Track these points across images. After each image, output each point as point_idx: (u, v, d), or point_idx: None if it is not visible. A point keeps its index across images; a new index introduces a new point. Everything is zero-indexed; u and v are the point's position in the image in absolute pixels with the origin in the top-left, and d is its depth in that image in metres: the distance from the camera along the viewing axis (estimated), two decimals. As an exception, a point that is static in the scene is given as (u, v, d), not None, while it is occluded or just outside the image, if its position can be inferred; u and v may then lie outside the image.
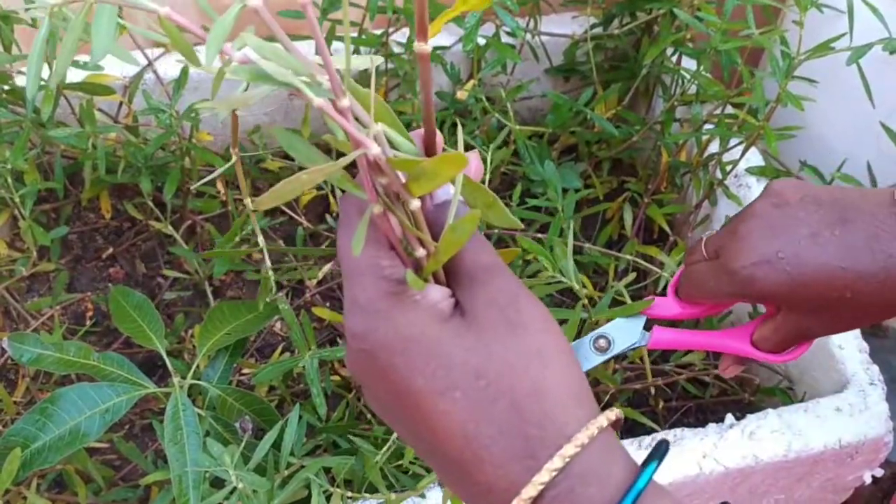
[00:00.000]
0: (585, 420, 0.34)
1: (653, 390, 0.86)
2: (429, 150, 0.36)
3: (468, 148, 0.92)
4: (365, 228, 0.32)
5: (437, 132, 0.36)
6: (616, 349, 0.56)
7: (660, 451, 0.36)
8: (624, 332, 0.57)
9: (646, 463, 0.35)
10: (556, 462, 0.32)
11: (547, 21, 1.03)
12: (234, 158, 0.66)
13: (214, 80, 0.33)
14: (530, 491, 0.32)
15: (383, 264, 0.35)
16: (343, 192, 0.36)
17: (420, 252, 0.35)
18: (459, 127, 0.40)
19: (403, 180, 0.33)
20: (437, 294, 0.35)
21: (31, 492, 0.68)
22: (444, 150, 0.36)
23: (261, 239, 0.72)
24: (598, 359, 0.56)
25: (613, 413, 0.35)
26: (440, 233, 0.35)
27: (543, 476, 0.32)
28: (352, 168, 0.32)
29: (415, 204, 0.33)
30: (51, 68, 0.83)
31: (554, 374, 0.34)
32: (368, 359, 0.35)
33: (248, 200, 0.68)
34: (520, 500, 0.32)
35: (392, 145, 0.34)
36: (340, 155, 0.31)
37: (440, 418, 0.34)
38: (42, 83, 0.83)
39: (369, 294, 0.34)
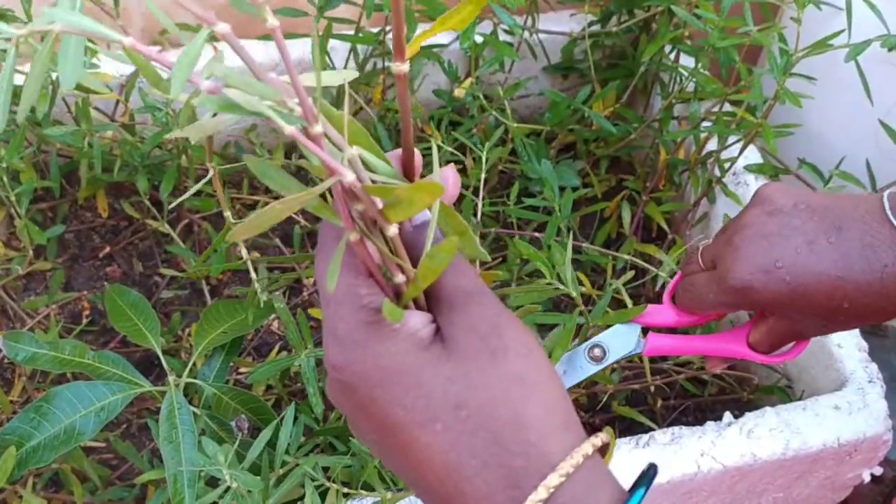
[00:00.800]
0: (570, 447, 0.33)
1: (652, 388, 0.86)
2: (407, 170, 0.36)
3: (461, 150, 0.92)
4: (340, 258, 0.32)
5: (416, 153, 0.36)
6: (611, 358, 0.56)
7: (647, 476, 0.36)
8: (619, 341, 0.56)
9: (633, 489, 0.34)
10: (541, 493, 0.32)
11: (545, 19, 1.03)
12: (210, 173, 0.65)
13: (182, 112, 0.33)
14: None
15: (361, 293, 0.34)
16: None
17: (399, 278, 0.35)
18: (435, 150, 0.40)
19: (380, 206, 0.33)
20: (418, 321, 0.35)
21: (28, 491, 0.68)
22: (422, 174, 0.37)
23: (244, 251, 0.72)
24: (593, 368, 0.56)
25: (599, 439, 0.34)
26: (419, 255, 0.34)
27: None
28: (329, 194, 0.32)
29: (392, 231, 0.33)
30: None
31: (537, 401, 0.33)
32: (348, 390, 0.35)
33: (227, 213, 0.68)
34: None
35: (368, 168, 0.33)
36: (317, 180, 0.31)
37: (421, 450, 0.33)
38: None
39: (348, 324, 0.34)
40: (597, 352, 0.56)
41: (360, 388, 0.34)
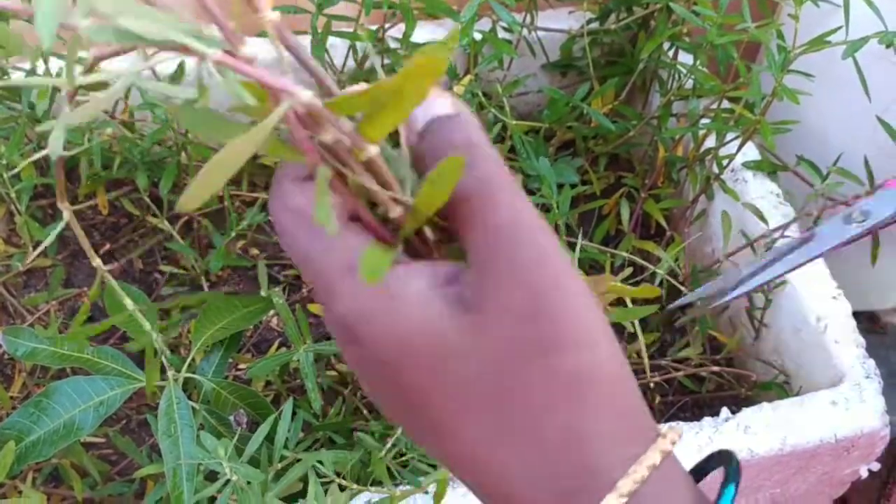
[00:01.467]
0: (634, 458, 0.27)
1: (651, 385, 0.86)
2: None
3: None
4: (327, 197, 0.25)
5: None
6: (872, 221, 0.54)
7: (732, 469, 0.30)
8: (882, 205, 0.54)
9: (722, 489, 0.29)
10: None
11: (543, 16, 1.03)
12: (65, 216, 0.50)
13: (66, 75, 0.26)
14: None
15: (350, 244, 0.27)
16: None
17: (396, 211, 0.28)
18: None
19: (350, 127, 0.26)
20: (433, 276, 0.27)
21: (27, 486, 0.68)
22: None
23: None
24: (852, 231, 0.53)
25: (669, 439, 0.28)
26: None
27: None
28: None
29: (372, 150, 0.26)
30: (46, 64, 0.83)
31: (596, 407, 0.27)
32: (364, 361, 0.29)
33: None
34: None
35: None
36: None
37: (454, 443, 0.27)
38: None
39: (349, 297, 0.27)
40: (857, 215, 0.54)
41: (370, 362, 0.28)
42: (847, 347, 0.76)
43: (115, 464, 0.82)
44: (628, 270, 0.84)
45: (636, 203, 0.99)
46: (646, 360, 0.84)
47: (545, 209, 0.88)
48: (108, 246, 0.97)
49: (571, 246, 0.94)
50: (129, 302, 0.63)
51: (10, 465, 0.62)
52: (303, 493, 0.62)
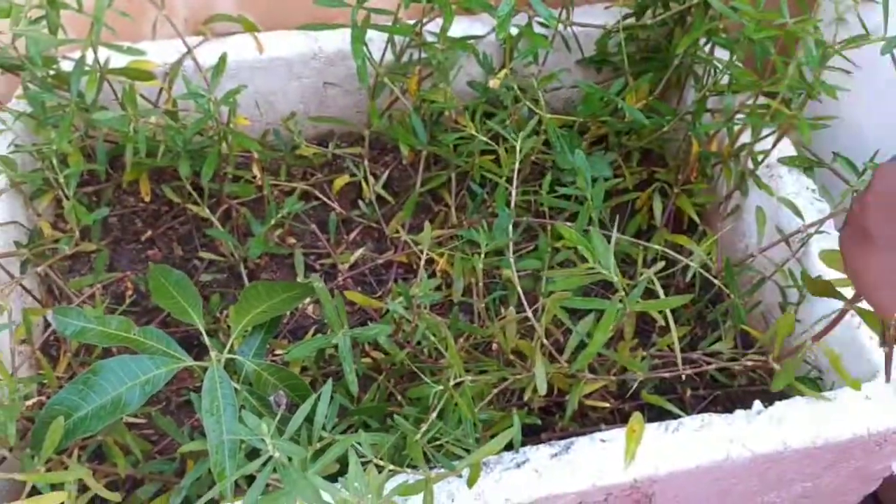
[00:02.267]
0: None
1: (683, 377, 0.86)
2: None
3: (494, 140, 0.93)
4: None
5: None
6: None
7: None
8: None
9: None
10: None
11: (579, 12, 1.04)
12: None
13: None
14: None
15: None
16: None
17: None
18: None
19: None
20: None
21: (73, 461, 0.70)
22: None
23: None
24: None
25: None
26: None
27: None
28: None
29: None
30: (95, 54, 0.85)
31: None
32: None
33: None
34: None
35: None
36: None
37: None
38: (87, 68, 0.85)
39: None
40: None
41: None
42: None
43: (156, 443, 0.84)
44: (660, 264, 0.84)
45: (669, 198, 0.99)
46: (678, 352, 0.85)
47: (578, 201, 0.89)
48: (149, 233, 1.00)
49: (606, 238, 0.95)
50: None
51: (59, 440, 0.65)
52: (339, 474, 0.64)
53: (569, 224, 0.91)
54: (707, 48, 0.97)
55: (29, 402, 0.70)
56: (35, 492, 0.67)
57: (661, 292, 0.80)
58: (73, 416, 0.66)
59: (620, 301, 0.62)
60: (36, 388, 0.81)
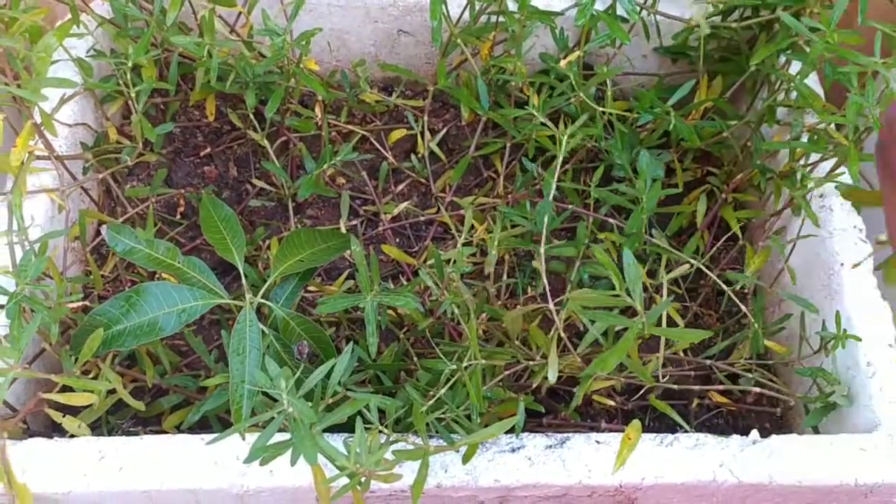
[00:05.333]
0: None
1: (696, 388, 0.88)
2: None
3: (554, 117, 0.91)
4: None
5: None
6: None
7: None
8: None
9: None
10: None
11: (665, 1, 1.02)
12: None
13: None
14: None
15: None
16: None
17: None
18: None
19: None
20: None
21: (106, 365, 0.75)
22: None
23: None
24: None
25: None
26: None
27: None
28: None
29: None
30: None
31: None
32: None
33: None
34: None
35: None
36: None
37: None
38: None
39: None
40: None
41: None
42: (889, 398, 0.77)
43: (184, 355, 0.89)
44: (684, 268, 0.84)
45: (716, 202, 0.99)
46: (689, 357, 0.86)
47: (631, 202, 0.90)
48: (208, 149, 1.03)
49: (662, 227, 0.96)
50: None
51: (96, 348, 0.70)
52: (346, 424, 0.68)
53: (612, 221, 0.93)
54: (782, 60, 0.95)
55: (73, 305, 0.75)
56: (67, 388, 0.73)
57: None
58: (112, 329, 0.71)
59: (640, 324, 0.64)
60: (81, 287, 0.87)
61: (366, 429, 0.63)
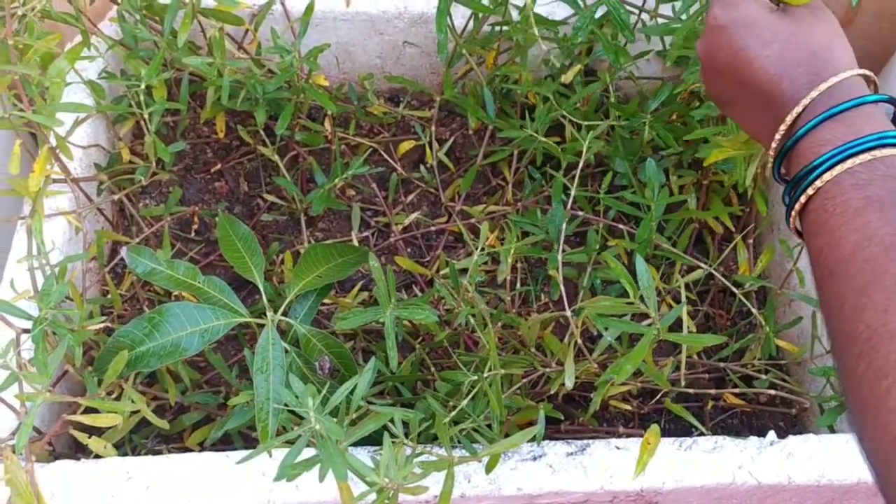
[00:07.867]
0: (851, 67, 0.51)
1: (711, 392, 0.89)
2: None
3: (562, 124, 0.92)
4: None
5: None
6: None
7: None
8: None
9: None
10: (832, 80, 0.50)
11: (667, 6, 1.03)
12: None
13: None
14: (812, 94, 0.50)
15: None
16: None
17: None
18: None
19: None
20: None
21: (129, 385, 0.76)
22: None
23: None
24: None
25: (865, 73, 0.52)
26: None
27: (822, 87, 0.50)
28: None
29: None
30: (190, -6, 0.87)
31: (841, 45, 0.53)
32: (719, 33, 0.54)
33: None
34: (804, 100, 0.50)
35: None
36: None
37: (762, 62, 0.52)
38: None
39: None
40: None
41: (729, 27, 0.54)
42: (904, 395, 0.78)
43: (203, 371, 0.90)
44: (699, 273, 0.85)
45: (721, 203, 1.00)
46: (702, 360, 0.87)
47: (638, 207, 0.91)
48: (219, 166, 1.04)
49: (659, 230, 0.97)
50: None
51: (121, 370, 0.70)
52: (366, 437, 0.69)
53: (620, 226, 0.94)
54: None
55: (95, 327, 0.76)
56: (91, 409, 0.73)
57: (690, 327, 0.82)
58: (136, 350, 0.72)
59: (655, 330, 0.65)
60: (100, 308, 0.87)
61: (392, 442, 0.64)
